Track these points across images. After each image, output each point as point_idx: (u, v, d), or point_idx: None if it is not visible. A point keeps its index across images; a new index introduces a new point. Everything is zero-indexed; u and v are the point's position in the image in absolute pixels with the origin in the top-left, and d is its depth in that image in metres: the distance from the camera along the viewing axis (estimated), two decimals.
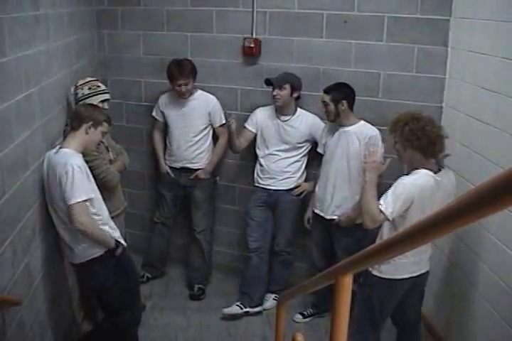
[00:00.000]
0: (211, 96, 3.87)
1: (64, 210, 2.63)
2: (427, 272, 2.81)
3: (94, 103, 3.07)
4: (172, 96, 3.88)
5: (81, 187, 2.57)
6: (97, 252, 2.73)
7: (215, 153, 3.95)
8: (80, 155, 2.71)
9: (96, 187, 2.77)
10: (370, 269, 2.70)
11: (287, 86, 3.57)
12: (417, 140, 2.58)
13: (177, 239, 4.33)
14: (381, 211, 2.55)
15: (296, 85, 3.60)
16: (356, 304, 2.64)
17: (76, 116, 2.79)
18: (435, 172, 2.63)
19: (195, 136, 3.87)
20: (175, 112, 3.87)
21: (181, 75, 3.66)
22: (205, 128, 3.88)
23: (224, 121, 3.90)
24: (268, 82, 3.59)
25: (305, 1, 3.65)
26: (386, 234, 2.69)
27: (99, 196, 2.79)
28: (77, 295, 3.41)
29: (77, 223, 2.57)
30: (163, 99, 3.95)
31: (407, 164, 2.80)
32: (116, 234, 2.84)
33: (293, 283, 3.53)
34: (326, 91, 3.34)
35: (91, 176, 2.74)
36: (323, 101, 3.34)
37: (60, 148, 2.69)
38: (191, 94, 3.80)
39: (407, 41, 3.46)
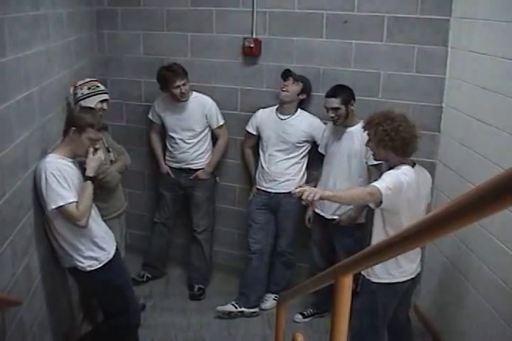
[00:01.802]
0: (207, 98, 3.86)
1: (50, 220, 2.62)
2: (420, 272, 2.82)
3: (93, 103, 3.06)
4: (168, 101, 3.86)
5: (56, 193, 2.51)
6: (81, 265, 2.70)
7: (215, 153, 3.95)
8: (64, 161, 2.61)
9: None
10: (368, 277, 2.70)
11: (300, 84, 3.58)
12: (391, 141, 2.56)
13: (177, 239, 4.33)
14: (376, 187, 2.51)
15: (307, 88, 3.62)
16: (355, 313, 2.62)
17: (66, 120, 2.71)
18: (412, 166, 2.65)
19: (194, 138, 3.86)
20: (172, 116, 3.87)
21: (177, 76, 3.64)
22: (204, 130, 3.88)
23: (222, 122, 3.90)
24: (286, 73, 3.58)
25: (305, 1, 3.65)
26: (377, 229, 2.69)
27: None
28: (77, 296, 3.40)
29: (78, 225, 2.58)
30: (158, 103, 3.93)
31: (383, 161, 2.78)
32: (106, 244, 2.80)
33: (293, 283, 3.54)
34: (332, 96, 3.31)
35: (72, 183, 2.60)
36: (333, 108, 3.29)
37: (51, 152, 2.65)
38: (189, 96, 3.80)
39: (407, 41, 3.45)
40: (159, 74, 3.72)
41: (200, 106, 3.83)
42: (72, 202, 2.53)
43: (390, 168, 2.65)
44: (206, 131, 3.90)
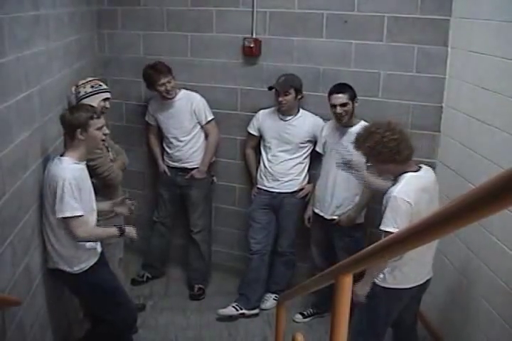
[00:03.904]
0: (194, 94, 3.86)
1: (49, 221, 2.62)
2: (430, 278, 2.80)
3: (96, 101, 3.06)
4: (158, 100, 3.88)
5: (67, 203, 2.52)
6: (68, 269, 2.68)
7: (206, 151, 3.92)
8: (79, 166, 2.62)
9: (89, 198, 2.71)
10: (375, 280, 2.64)
11: (292, 90, 3.56)
12: (379, 154, 2.49)
13: (176, 239, 4.33)
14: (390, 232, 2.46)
15: (299, 88, 3.60)
16: (357, 312, 2.62)
17: (64, 125, 2.69)
18: (417, 171, 2.58)
19: (186, 136, 3.87)
20: (163, 115, 3.88)
21: (160, 74, 3.66)
22: (195, 126, 3.87)
23: (210, 118, 3.88)
24: (271, 89, 3.59)
25: (305, 1, 3.65)
26: None
27: (93, 206, 2.75)
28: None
29: (74, 237, 2.59)
30: (152, 104, 3.96)
31: (386, 175, 2.69)
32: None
33: (293, 283, 3.54)
34: (340, 92, 3.29)
35: (86, 188, 2.64)
36: (342, 103, 3.27)
37: (61, 155, 2.64)
38: (176, 93, 3.80)
39: (407, 41, 3.46)
40: (144, 73, 3.74)
41: (188, 103, 3.83)
42: (80, 215, 2.56)
43: (395, 178, 2.58)
44: (198, 128, 3.89)
